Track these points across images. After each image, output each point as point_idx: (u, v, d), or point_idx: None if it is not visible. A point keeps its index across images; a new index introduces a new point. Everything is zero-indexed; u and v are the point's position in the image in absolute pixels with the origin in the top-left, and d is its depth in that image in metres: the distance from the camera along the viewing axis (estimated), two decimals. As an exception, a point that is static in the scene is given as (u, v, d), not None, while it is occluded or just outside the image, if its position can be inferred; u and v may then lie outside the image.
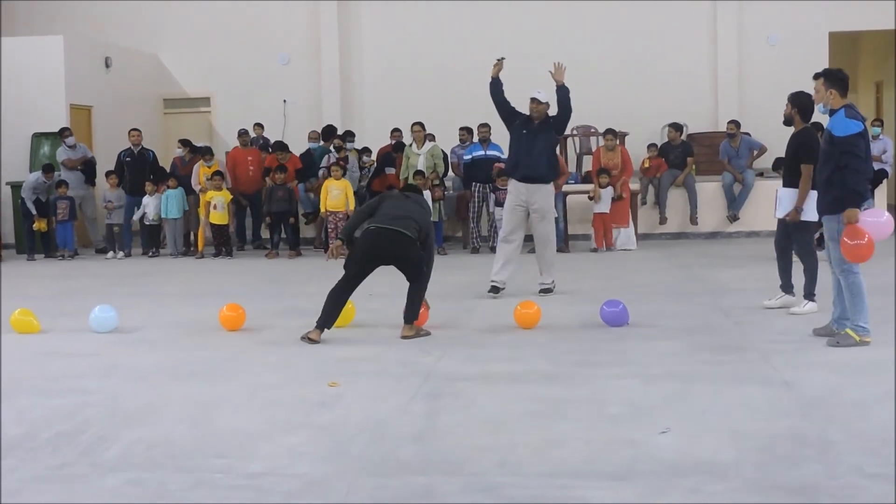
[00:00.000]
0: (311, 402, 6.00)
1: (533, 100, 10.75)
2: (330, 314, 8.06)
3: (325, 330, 8.05)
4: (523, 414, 5.63)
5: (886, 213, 7.33)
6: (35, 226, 16.36)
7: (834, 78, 7.46)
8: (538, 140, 10.57)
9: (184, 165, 16.61)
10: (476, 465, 4.69)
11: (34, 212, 16.28)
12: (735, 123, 16.82)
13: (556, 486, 4.39)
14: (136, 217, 16.35)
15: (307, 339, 7.95)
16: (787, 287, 9.30)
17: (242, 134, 17.20)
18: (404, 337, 8.10)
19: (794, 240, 9.06)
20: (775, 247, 9.44)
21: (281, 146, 16.58)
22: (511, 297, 9.86)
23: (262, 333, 8.55)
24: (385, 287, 9.38)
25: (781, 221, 9.13)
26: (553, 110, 10.81)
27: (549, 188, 10.63)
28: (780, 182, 9.45)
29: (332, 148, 16.52)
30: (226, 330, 8.68)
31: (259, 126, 18.67)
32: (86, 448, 5.11)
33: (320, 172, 16.31)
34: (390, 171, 16.37)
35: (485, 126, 15.98)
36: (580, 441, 5.05)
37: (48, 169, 16.41)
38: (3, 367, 7.27)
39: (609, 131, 15.68)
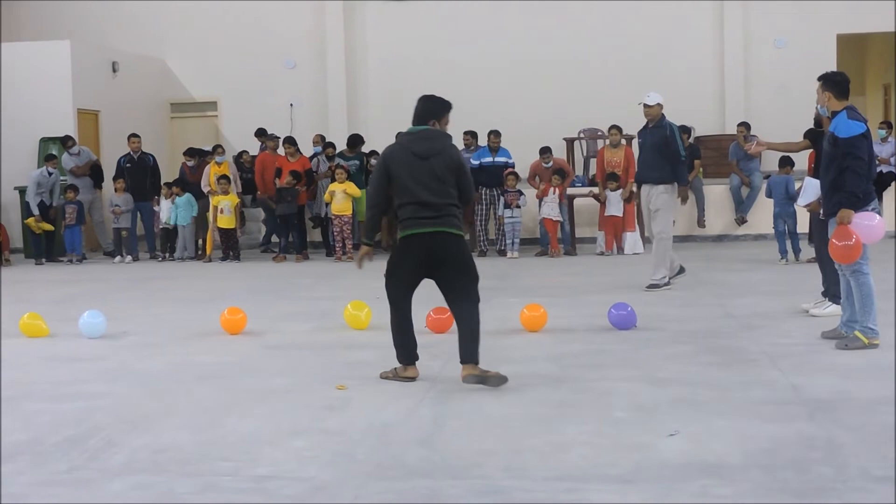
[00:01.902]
0: (318, 406, 6.00)
1: (643, 105, 11.17)
2: (410, 347, 6.82)
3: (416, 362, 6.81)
4: (529, 417, 5.63)
5: (878, 217, 7.30)
6: (28, 221, 16.34)
7: (830, 81, 7.54)
8: (647, 142, 11.16)
9: (192, 173, 16.64)
10: (482, 469, 4.69)
11: (36, 213, 16.28)
12: (745, 126, 16.78)
13: (563, 490, 4.38)
14: (165, 221, 16.37)
15: (403, 377, 6.72)
16: (831, 294, 8.90)
17: (272, 138, 16.95)
18: (471, 378, 6.43)
19: (819, 238, 8.78)
20: (816, 253, 9.15)
21: (290, 140, 16.62)
22: (517, 299, 9.84)
23: (268, 337, 8.56)
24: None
25: (820, 225, 8.81)
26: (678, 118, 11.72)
27: (663, 188, 10.99)
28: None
29: (322, 153, 16.67)
30: (227, 333, 8.69)
31: (262, 132, 18.65)
32: (93, 453, 5.12)
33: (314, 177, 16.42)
34: None
35: (496, 135, 15.92)
36: (587, 445, 5.05)
37: (50, 158, 16.47)
38: (12, 372, 7.29)
39: (614, 126, 15.59)
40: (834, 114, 7.44)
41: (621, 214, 15.10)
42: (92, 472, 4.83)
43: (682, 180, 11.10)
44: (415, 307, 6.84)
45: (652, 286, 10.94)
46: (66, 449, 5.20)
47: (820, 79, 7.63)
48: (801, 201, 9.04)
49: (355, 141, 16.84)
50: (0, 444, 5.28)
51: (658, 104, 11.08)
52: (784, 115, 17.06)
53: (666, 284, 10.99)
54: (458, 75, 20.04)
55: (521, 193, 15.29)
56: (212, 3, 20.97)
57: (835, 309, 8.57)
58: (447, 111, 6.81)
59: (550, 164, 15.65)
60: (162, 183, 16.91)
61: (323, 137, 17.75)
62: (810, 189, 8.90)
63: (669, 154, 10.98)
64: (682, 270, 11.28)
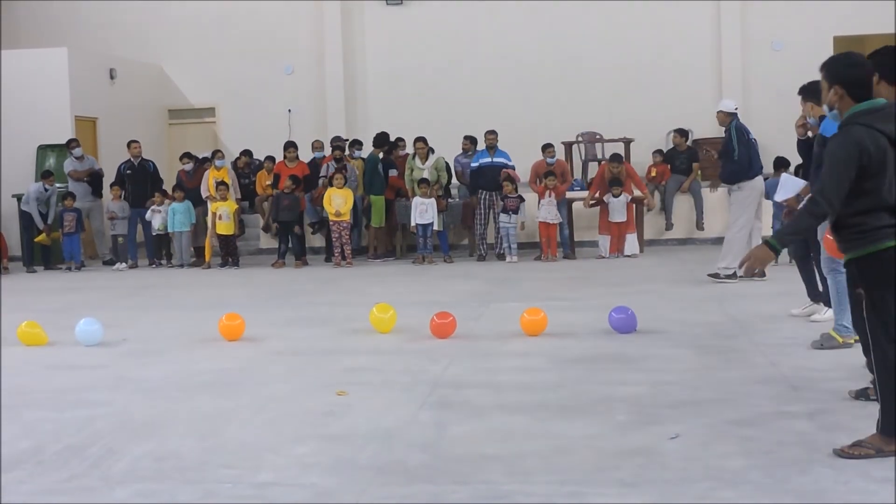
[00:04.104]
0: (319, 413, 5.99)
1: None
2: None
3: None
4: (531, 421, 5.62)
5: None
6: (39, 238, 16.41)
7: (807, 91, 7.78)
8: (722, 146, 11.75)
9: (189, 179, 16.62)
10: (485, 473, 4.69)
11: (41, 225, 16.35)
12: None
13: (565, 494, 4.38)
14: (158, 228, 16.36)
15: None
16: (814, 295, 8.95)
17: (289, 147, 16.85)
18: None
19: (814, 249, 8.81)
20: (793, 256, 9.09)
21: (291, 144, 16.64)
22: (517, 303, 9.83)
23: (269, 343, 8.55)
24: (391, 296, 9.36)
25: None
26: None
27: (736, 187, 11.55)
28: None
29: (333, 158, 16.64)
30: (225, 340, 8.68)
31: (246, 154, 18.60)
32: (95, 461, 5.11)
33: (319, 182, 16.36)
34: (392, 173, 16.33)
35: (492, 133, 15.95)
36: (589, 448, 5.04)
37: (47, 175, 16.49)
38: (12, 381, 7.29)
39: (616, 156, 15.60)
40: (821, 118, 7.55)
41: (625, 220, 15.05)
42: (93, 480, 4.82)
43: (727, 176, 11.71)
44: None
45: (712, 274, 11.62)
46: (68, 457, 5.20)
47: (799, 92, 7.89)
48: (778, 196, 9.04)
49: (383, 140, 16.66)
50: (0, 452, 5.27)
51: (719, 111, 11.82)
52: (781, 116, 17.03)
53: (729, 277, 11.49)
54: (456, 80, 20.11)
55: (521, 199, 15.27)
56: (209, 10, 20.98)
57: (831, 313, 8.60)
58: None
59: (554, 158, 15.64)
60: (159, 190, 16.89)
61: (322, 144, 17.73)
62: (788, 185, 8.91)
63: (726, 155, 11.56)
64: (761, 273, 11.50)
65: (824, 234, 7.37)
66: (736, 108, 11.88)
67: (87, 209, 16.88)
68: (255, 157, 18.55)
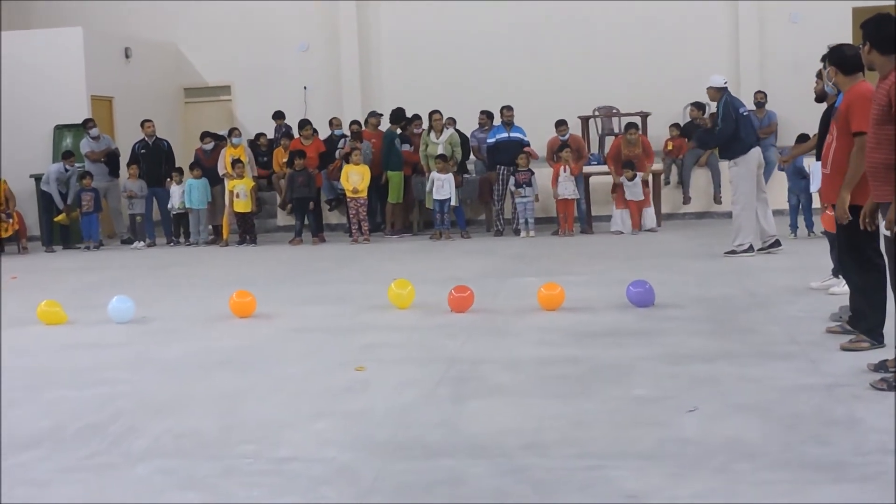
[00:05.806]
0: (337, 389, 6.01)
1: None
2: None
3: None
4: (549, 396, 5.63)
5: None
6: (59, 218, 16.47)
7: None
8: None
9: (207, 157, 16.64)
10: (503, 448, 4.70)
11: (61, 205, 16.41)
12: (763, 94, 16.79)
13: (583, 468, 4.39)
14: (170, 206, 16.46)
15: None
16: (837, 271, 8.79)
17: (304, 126, 16.87)
18: None
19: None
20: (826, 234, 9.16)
21: (306, 122, 16.68)
22: (534, 278, 9.83)
23: (286, 321, 8.57)
24: (408, 272, 9.36)
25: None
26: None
27: (732, 162, 11.57)
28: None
29: (348, 133, 16.69)
30: (237, 317, 8.71)
31: (280, 115, 18.69)
32: (115, 438, 5.15)
33: (336, 154, 16.39)
34: (405, 147, 16.32)
35: (508, 108, 15.92)
36: (606, 422, 5.05)
37: (68, 155, 16.55)
38: (32, 360, 7.36)
39: (631, 125, 15.56)
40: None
41: (643, 198, 14.97)
42: (114, 457, 4.85)
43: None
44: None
45: (728, 252, 11.48)
46: (88, 435, 5.23)
47: (822, 59, 7.84)
48: (814, 187, 9.07)
49: (400, 116, 16.70)
50: (0, 436, 5.30)
51: (709, 87, 11.70)
52: (799, 90, 16.94)
53: (746, 251, 11.38)
54: (472, 55, 20.05)
55: (531, 173, 15.25)
56: (223, -12, 20.99)
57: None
58: None
59: (567, 136, 15.61)
60: (176, 168, 16.92)
61: (341, 121, 17.73)
62: (817, 174, 8.89)
63: (722, 132, 11.49)
64: (776, 243, 11.59)
65: (822, 214, 7.40)
66: (725, 83, 11.74)
67: (103, 189, 16.94)
68: (286, 120, 18.60)
